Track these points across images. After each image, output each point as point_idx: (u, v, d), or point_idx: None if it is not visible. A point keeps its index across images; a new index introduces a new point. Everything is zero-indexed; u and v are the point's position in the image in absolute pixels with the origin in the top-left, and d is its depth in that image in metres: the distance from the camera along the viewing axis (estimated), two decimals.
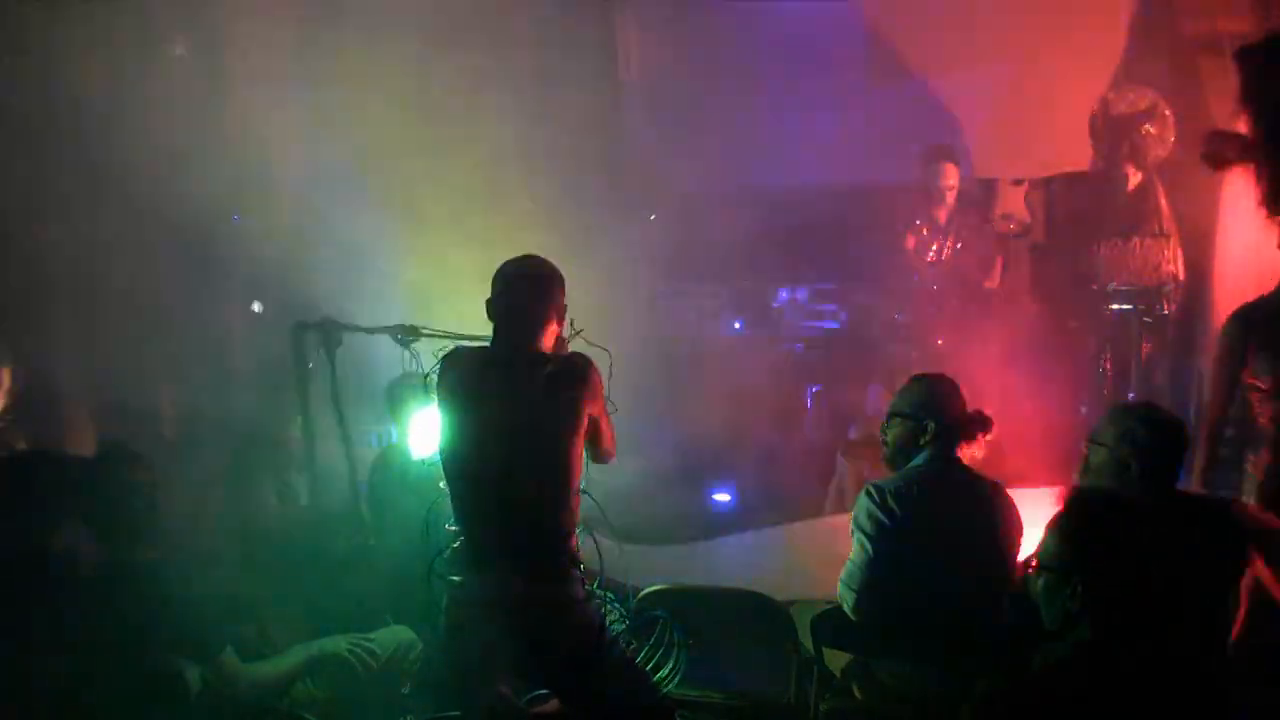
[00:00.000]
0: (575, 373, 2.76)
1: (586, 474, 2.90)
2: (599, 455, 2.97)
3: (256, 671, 2.97)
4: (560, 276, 2.87)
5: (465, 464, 2.80)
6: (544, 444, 2.72)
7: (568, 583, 2.76)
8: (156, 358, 6.25)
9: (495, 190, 6.10)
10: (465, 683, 2.82)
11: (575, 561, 2.79)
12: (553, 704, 3.08)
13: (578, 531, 2.83)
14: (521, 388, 2.72)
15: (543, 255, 2.91)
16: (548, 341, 2.84)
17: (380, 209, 5.95)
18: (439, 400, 2.83)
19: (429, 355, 3.11)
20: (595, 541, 3.07)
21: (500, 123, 6.12)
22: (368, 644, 3.18)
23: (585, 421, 2.77)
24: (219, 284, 6.59)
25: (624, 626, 3.31)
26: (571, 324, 3.04)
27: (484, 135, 5.94)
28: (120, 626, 2.58)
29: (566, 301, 2.89)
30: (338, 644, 3.15)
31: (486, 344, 2.89)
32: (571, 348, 3.06)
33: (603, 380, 2.86)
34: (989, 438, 3.04)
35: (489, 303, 2.84)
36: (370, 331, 3.57)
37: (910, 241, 5.88)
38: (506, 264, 2.86)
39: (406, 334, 3.53)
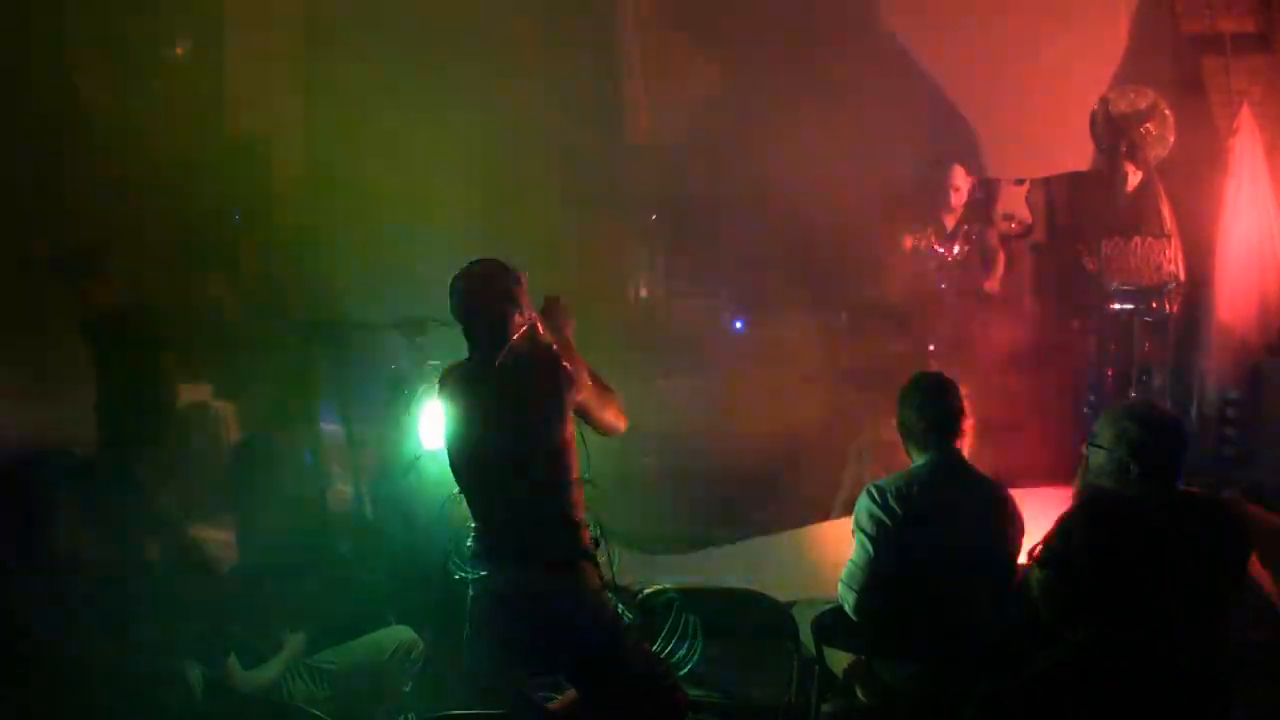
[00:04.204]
0: (544, 366, 2.82)
1: (587, 463, 2.92)
2: (604, 431, 3.00)
3: (258, 676, 2.97)
4: (512, 271, 2.90)
5: (467, 474, 2.91)
6: (532, 441, 2.79)
7: (579, 574, 2.80)
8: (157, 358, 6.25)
9: (497, 189, 6.12)
10: (486, 677, 2.88)
11: (586, 553, 2.83)
12: (568, 696, 3.08)
13: (590, 524, 2.87)
14: (501, 392, 2.81)
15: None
16: (517, 334, 2.86)
17: (382, 211, 5.98)
18: (443, 416, 2.95)
19: (436, 352, 3.15)
20: (606, 545, 3.06)
21: (504, 123, 6.15)
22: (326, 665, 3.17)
23: (569, 410, 2.82)
24: (226, 283, 6.62)
25: (633, 620, 3.29)
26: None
27: (486, 135, 5.96)
28: (126, 628, 2.58)
29: (525, 292, 2.89)
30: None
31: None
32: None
33: (576, 363, 2.88)
34: (970, 422, 3.05)
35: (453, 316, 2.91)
36: (375, 328, 3.58)
37: (908, 243, 5.85)
38: (458, 276, 2.90)
39: (412, 328, 3.53)
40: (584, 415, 2.91)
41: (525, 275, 2.92)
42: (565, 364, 2.84)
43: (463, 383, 2.91)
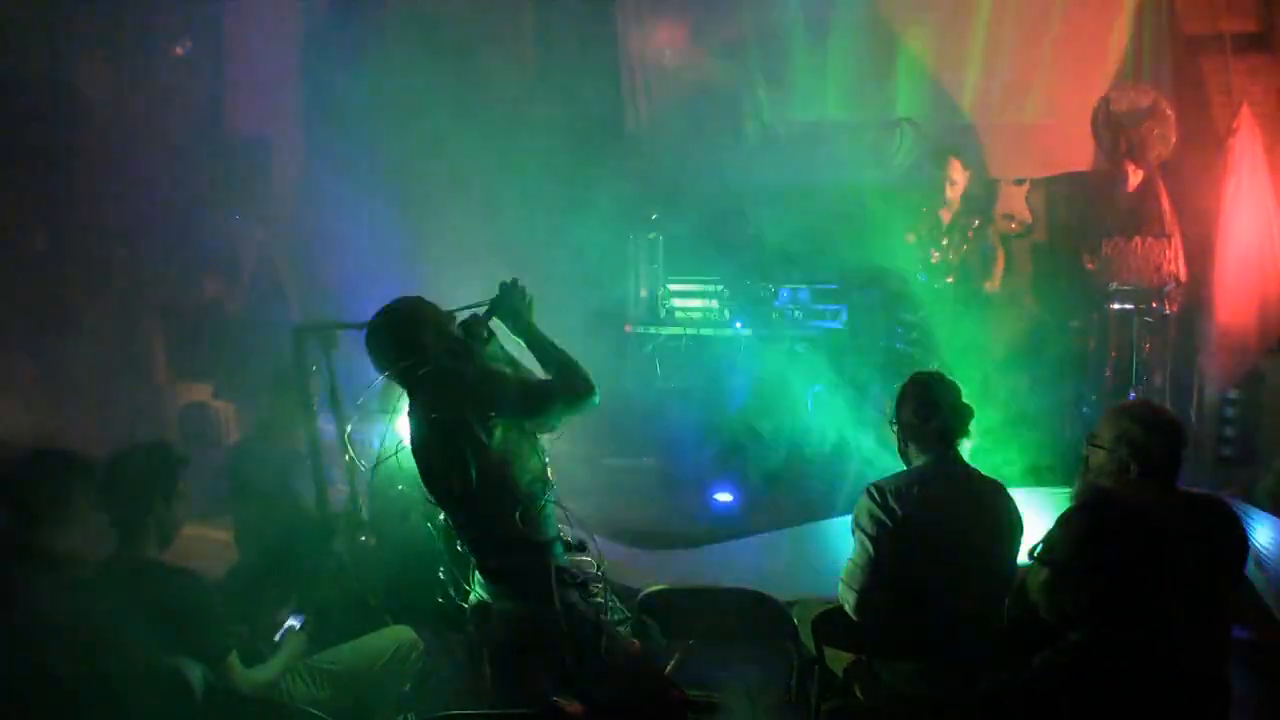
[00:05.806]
0: (455, 404, 2.71)
1: (554, 483, 2.85)
2: (571, 413, 2.84)
3: (258, 676, 2.97)
4: (421, 318, 2.82)
5: (442, 513, 2.92)
6: (462, 482, 2.69)
7: (545, 599, 2.74)
8: (156, 359, 6.27)
9: (495, 190, 6.11)
10: (501, 692, 2.89)
11: (551, 574, 2.76)
12: (575, 706, 3.08)
13: (555, 541, 2.82)
14: (423, 437, 2.77)
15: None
16: (430, 383, 2.78)
17: (381, 212, 5.98)
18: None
19: None
20: (596, 544, 3.04)
21: (502, 124, 6.15)
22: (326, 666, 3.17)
23: (492, 434, 2.70)
24: (222, 284, 6.62)
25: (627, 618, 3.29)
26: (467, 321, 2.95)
27: (486, 136, 5.95)
28: (132, 627, 2.57)
29: (432, 325, 2.82)
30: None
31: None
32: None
33: (493, 375, 2.81)
34: (969, 422, 3.04)
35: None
36: (361, 328, 3.57)
37: (911, 238, 5.83)
38: (368, 326, 2.84)
39: None
40: (535, 424, 2.81)
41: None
42: (477, 394, 2.73)
43: (409, 418, 2.86)
